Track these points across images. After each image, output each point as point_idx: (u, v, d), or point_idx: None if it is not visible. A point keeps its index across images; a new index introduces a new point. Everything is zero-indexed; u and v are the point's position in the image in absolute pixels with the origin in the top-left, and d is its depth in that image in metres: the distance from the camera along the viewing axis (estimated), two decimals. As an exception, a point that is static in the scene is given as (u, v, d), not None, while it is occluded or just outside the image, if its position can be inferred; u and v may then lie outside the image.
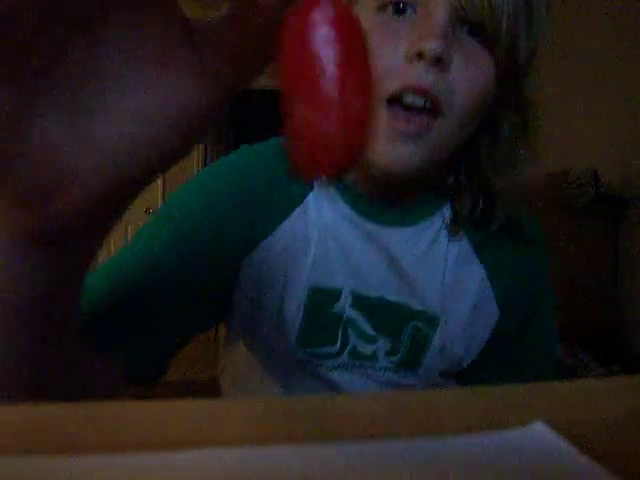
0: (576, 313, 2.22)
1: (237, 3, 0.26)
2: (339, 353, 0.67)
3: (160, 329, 0.60)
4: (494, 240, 0.70)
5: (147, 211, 5.54)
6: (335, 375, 0.68)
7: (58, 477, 0.25)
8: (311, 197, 0.66)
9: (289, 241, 0.65)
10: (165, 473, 0.26)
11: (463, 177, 0.69)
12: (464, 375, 0.70)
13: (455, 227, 0.69)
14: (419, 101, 0.56)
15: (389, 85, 0.56)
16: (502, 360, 0.73)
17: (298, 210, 0.66)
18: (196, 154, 5.61)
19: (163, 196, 5.57)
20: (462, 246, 0.70)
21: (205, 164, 5.65)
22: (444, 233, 0.69)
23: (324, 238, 0.66)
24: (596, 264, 2.28)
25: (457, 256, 0.69)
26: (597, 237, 2.29)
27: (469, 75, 0.57)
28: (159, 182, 5.59)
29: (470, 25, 0.57)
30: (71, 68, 0.23)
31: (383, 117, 0.56)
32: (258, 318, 0.67)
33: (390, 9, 0.57)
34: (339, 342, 0.67)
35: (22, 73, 0.22)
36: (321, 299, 0.66)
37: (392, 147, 0.57)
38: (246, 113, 7.30)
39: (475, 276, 0.70)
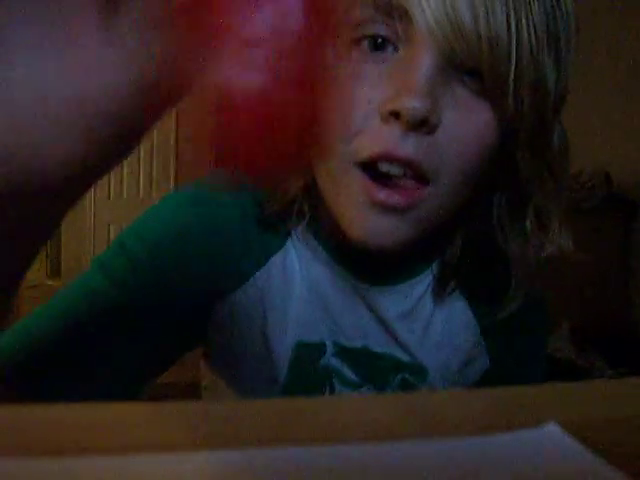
0: (587, 315, 2.20)
1: None
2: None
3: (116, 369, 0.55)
4: (489, 297, 0.63)
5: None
6: None
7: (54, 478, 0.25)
8: (290, 245, 0.60)
9: (266, 292, 0.60)
10: (162, 475, 0.26)
11: (460, 238, 0.60)
12: None
13: (441, 290, 0.63)
14: (397, 170, 0.46)
15: (361, 149, 0.47)
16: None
17: (275, 258, 0.60)
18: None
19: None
20: (456, 302, 0.64)
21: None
22: (429, 289, 0.63)
23: (306, 290, 0.60)
24: (607, 266, 2.26)
25: (450, 311, 0.64)
26: (608, 238, 2.27)
27: (462, 134, 0.47)
28: (171, 185, 5.60)
29: (464, 71, 0.46)
30: None
31: (357, 184, 0.48)
32: (237, 368, 0.63)
33: (366, 44, 0.46)
34: (327, 390, 0.63)
35: None
36: (307, 354, 0.61)
37: (369, 219, 0.48)
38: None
39: (469, 331, 0.65)
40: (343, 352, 0.62)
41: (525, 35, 0.45)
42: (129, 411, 0.34)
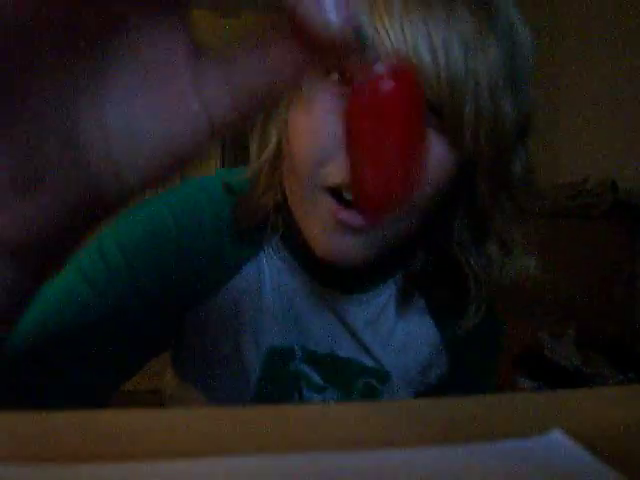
0: (593, 321, 2.20)
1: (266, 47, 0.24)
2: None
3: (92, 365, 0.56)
4: (449, 304, 0.66)
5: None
6: None
7: None
8: (262, 255, 0.63)
9: (238, 299, 0.62)
10: None
11: (423, 254, 0.64)
12: None
13: (404, 300, 0.66)
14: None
15: (329, 176, 0.49)
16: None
17: (248, 267, 0.62)
18: (214, 158, 5.63)
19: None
20: (417, 311, 0.68)
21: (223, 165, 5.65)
22: (393, 298, 0.67)
23: (277, 298, 0.63)
24: (613, 272, 2.26)
25: (412, 318, 0.67)
26: (615, 245, 2.27)
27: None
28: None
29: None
30: (75, 72, 0.23)
31: (324, 206, 0.51)
32: (210, 373, 0.65)
33: (336, 77, 0.48)
34: (295, 394, 0.66)
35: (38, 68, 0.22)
36: (278, 359, 0.64)
37: (334, 238, 0.51)
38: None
39: (429, 337, 0.68)
40: (311, 357, 0.65)
41: (483, 74, 0.47)
42: (122, 420, 0.34)
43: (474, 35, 0.47)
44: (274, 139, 0.57)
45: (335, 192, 0.50)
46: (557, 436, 0.31)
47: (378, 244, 0.53)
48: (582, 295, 2.24)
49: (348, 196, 0.49)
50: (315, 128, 0.49)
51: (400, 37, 0.45)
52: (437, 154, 0.49)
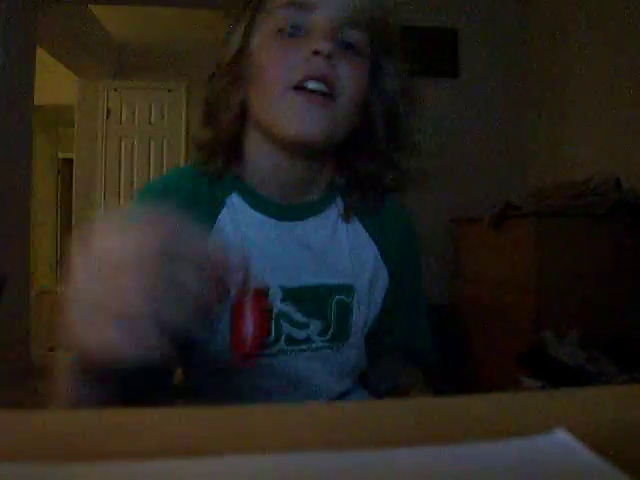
0: (598, 319, 2.19)
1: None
2: (276, 341, 0.76)
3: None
4: (380, 223, 0.86)
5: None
6: (276, 360, 0.77)
7: None
8: (224, 213, 0.78)
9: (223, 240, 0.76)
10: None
11: (347, 174, 0.84)
12: (369, 337, 0.85)
13: (347, 215, 0.84)
14: (319, 86, 0.69)
15: (294, 77, 0.70)
16: (394, 313, 0.88)
17: (221, 216, 0.78)
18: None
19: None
20: (358, 229, 0.84)
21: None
22: (340, 220, 0.83)
23: (246, 244, 0.77)
24: (618, 270, 2.25)
25: (355, 237, 0.84)
26: (619, 243, 2.26)
27: (350, 73, 0.72)
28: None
29: (349, 44, 0.73)
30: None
31: (292, 99, 0.70)
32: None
33: (287, 31, 0.72)
34: (273, 333, 0.76)
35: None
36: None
37: (302, 116, 0.70)
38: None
39: (370, 252, 0.84)
40: (288, 295, 0.77)
41: (382, 23, 0.77)
42: (123, 418, 0.34)
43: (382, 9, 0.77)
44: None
45: (299, 89, 0.70)
46: (560, 435, 0.31)
47: (332, 122, 0.72)
48: (586, 293, 2.24)
49: (309, 85, 0.70)
50: (283, 57, 0.72)
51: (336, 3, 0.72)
52: (360, 68, 0.74)
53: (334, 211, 0.83)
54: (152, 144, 5.62)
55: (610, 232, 2.29)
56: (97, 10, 5.04)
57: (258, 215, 0.79)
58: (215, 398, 0.78)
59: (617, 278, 2.28)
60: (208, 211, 0.77)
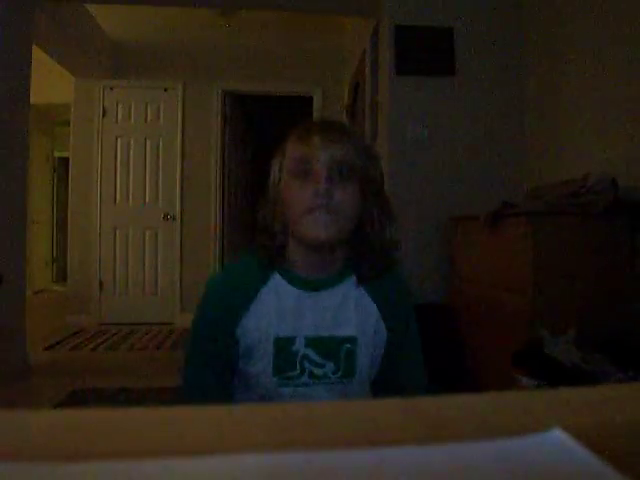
0: (594, 319, 2.20)
1: None
2: (300, 374, 1.12)
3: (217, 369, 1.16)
4: (379, 288, 1.18)
5: (165, 217, 5.58)
6: (301, 390, 1.12)
7: None
8: (271, 283, 1.14)
9: (261, 310, 1.12)
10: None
11: (358, 252, 1.15)
12: (375, 383, 1.21)
13: (358, 285, 1.17)
14: (322, 210, 1.03)
15: (306, 206, 1.03)
16: (395, 362, 1.20)
17: (264, 290, 1.13)
18: (214, 160, 5.63)
19: (181, 204, 5.60)
20: (363, 295, 1.17)
21: (223, 170, 5.67)
22: (352, 289, 1.17)
23: (282, 307, 1.13)
24: (614, 269, 2.26)
25: (360, 300, 1.17)
26: (615, 242, 2.27)
27: (344, 198, 1.05)
28: (177, 192, 5.62)
29: (342, 173, 1.05)
30: None
31: (307, 219, 1.04)
32: (248, 359, 1.14)
33: (300, 175, 1.06)
34: (298, 367, 1.12)
35: None
36: (283, 343, 1.11)
37: (314, 228, 1.03)
38: (258, 117, 7.33)
39: (372, 312, 1.17)
40: (309, 342, 1.12)
41: (361, 159, 1.09)
42: (131, 417, 0.34)
43: (358, 151, 1.09)
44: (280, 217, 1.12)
45: (311, 212, 1.04)
46: (557, 434, 0.31)
47: (336, 229, 1.04)
48: (582, 292, 2.24)
49: (316, 212, 1.03)
50: (296, 195, 1.06)
51: (327, 154, 1.05)
52: (352, 192, 1.06)
53: (349, 282, 1.16)
54: (148, 143, 5.61)
55: (606, 231, 2.29)
56: (93, 9, 5.04)
57: (291, 287, 1.13)
58: None
59: (613, 277, 2.28)
60: (255, 287, 1.13)
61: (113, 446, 0.29)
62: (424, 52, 3.48)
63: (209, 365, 1.14)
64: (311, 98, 5.75)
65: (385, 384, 1.21)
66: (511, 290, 2.42)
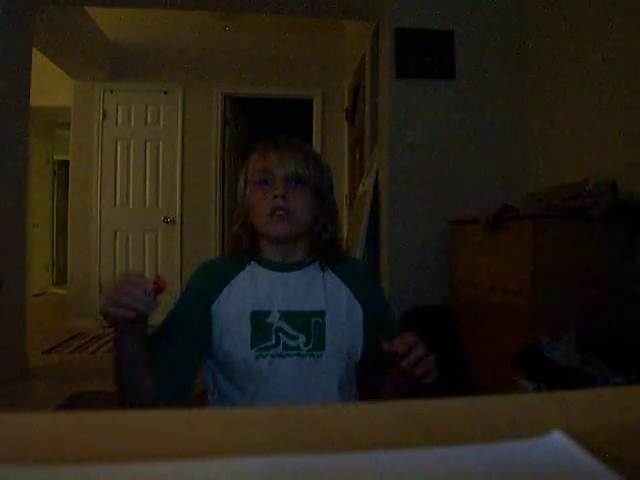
0: (593, 322, 2.20)
1: None
2: (276, 345, 1.23)
3: (179, 355, 1.23)
4: (346, 270, 1.36)
5: (165, 220, 5.58)
6: (276, 360, 1.22)
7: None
8: (247, 269, 1.32)
9: (237, 291, 1.30)
10: None
11: (314, 245, 1.36)
12: (364, 363, 1.31)
13: (321, 268, 1.34)
14: (280, 212, 1.23)
15: (268, 209, 1.24)
16: (376, 339, 1.22)
17: (240, 274, 1.31)
18: (214, 163, 5.64)
19: (181, 207, 5.60)
20: (332, 277, 1.35)
21: (223, 173, 5.68)
22: (318, 271, 1.34)
23: (257, 287, 1.29)
24: (613, 272, 2.26)
25: (330, 281, 1.34)
26: (615, 245, 2.27)
27: (298, 202, 1.25)
28: (177, 195, 5.62)
29: (295, 181, 1.26)
30: None
31: (269, 220, 1.24)
32: (225, 336, 1.26)
33: (262, 182, 1.27)
34: (274, 338, 1.24)
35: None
36: (259, 316, 1.26)
37: (274, 227, 1.25)
38: (259, 119, 7.33)
39: (343, 292, 1.33)
40: (284, 315, 1.26)
41: (311, 172, 1.28)
42: (133, 420, 0.34)
43: (309, 164, 1.29)
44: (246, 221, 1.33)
45: (272, 214, 1.24)
46: (557, 437, 0.31)
47: (292, 228, 1.25)
48: (581, 296, 2.24)
49: (277, 212, 1.23)
50: (259, 200, 1.27)
51: (282, 167, 1.26)
52: (305, 197, 1.26)
53: (315, 265, 1.35)
54: (148, 146, 5.61)
55: (606, 234, 2.29)
56: (93, 12, 5.05)
57: (264, 269, 1.32)
58: (237, 391, 1.26)
59: (613, 280, 2.28)
60: (232, 272, 1.32)
61: (114, 449, 0.29)
62: (424, 55, 3.49)
63: (170, 334, 1.24)
64: (311, 101, 5.74)
65: (371, 363, 1.33)
66: (511, 293, 2.42)
